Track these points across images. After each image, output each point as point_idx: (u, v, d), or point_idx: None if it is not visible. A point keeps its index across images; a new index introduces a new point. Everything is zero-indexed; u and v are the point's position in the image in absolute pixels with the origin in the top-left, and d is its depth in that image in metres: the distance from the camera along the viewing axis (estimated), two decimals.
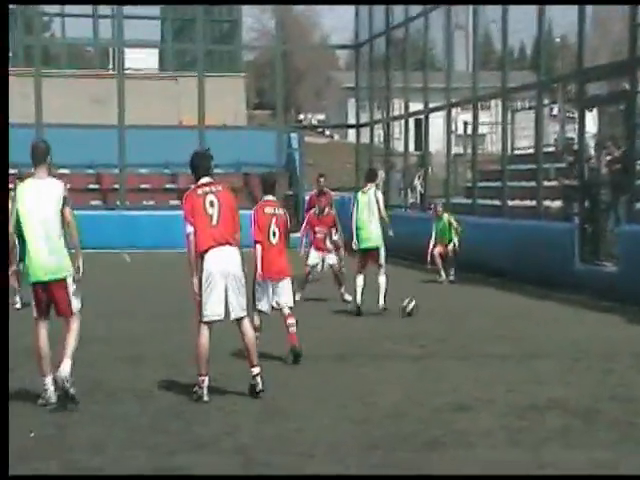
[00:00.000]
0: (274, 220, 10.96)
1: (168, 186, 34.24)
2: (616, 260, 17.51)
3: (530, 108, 25.93)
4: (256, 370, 9.13)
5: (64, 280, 8.76)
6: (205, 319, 8.98)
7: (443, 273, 20.19)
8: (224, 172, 34.25)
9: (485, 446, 7.46)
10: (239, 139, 33.89)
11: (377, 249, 15.15)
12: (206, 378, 8.93)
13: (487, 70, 29.89)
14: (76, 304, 8.86)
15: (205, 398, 8.87)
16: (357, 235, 15.14)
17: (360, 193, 15.46)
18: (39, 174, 8.90)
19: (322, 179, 18.45)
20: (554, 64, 29.37)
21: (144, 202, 32.64)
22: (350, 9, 35.66)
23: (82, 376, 9.94)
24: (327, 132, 69.20)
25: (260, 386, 9.08)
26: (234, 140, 33.56)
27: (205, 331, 8.99)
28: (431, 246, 20.28)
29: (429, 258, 20.26)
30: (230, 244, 9.05)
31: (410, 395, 9.27)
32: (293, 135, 37.03)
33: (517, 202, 22.84)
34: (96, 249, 26.24)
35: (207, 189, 9.21)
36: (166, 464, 6.93)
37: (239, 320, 9.14)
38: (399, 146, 31.64)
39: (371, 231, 15.08)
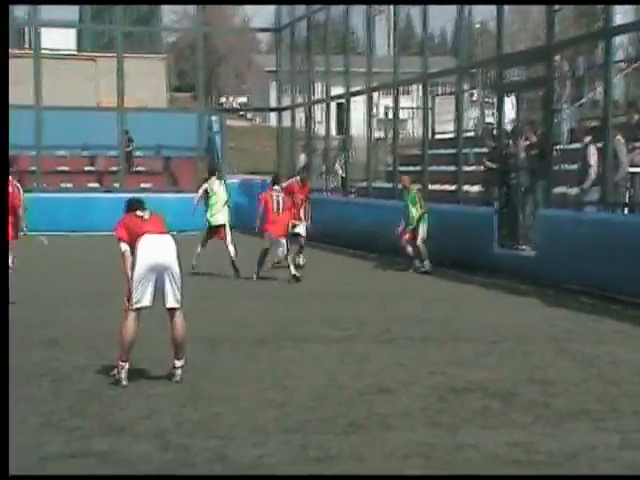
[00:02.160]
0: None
1: (86, 168, 33.83)
2: (533, 244, 17.75)
3: (451, 93, 26.12)
4: (179, 363, 9.06)
5: None
6: (135, 306, 8.88)
7: (416, 262, 19.03)
8: (144, 155, 34.15)
9: (405, 428, 7.49)
10: (159, 122, 33.57)
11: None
12: (126, 364, 8.83)
13: (408, 55, 30.00)
14: None
15: (124, 382, 8.77)
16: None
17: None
18: None
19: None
20: (474, 50, 29.58)
21: (61, 185, 32.16)
22: None
23: None
24: (249, 115, 69.01)
25: (178, 378, 9.02)
26: (154, 123, 33.25)
27: (132, 317, 8.89)
28: (400, 229, 19.23)
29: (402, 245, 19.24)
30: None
31: (332, 378, 9.28)
32: (214, 118, 36.83)
33: (437, 186, 23.00)
34: None
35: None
36: (83, 448, 6.84)
37: (172, 310, 9.08)
38: (321, 130, 31.64)
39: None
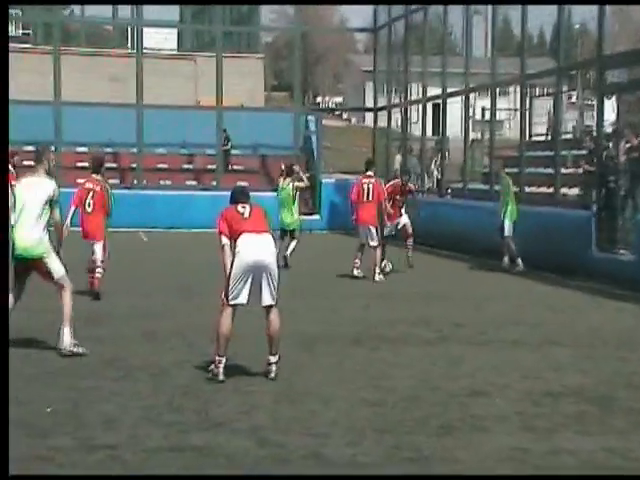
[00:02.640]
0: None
1: (185, 166, 34.25)
2: (633, 249, 17.43)
3: (549, 95, 25.80)
4: (273, 359, 9.16)
5: None
6: (231, 302, 8.99)
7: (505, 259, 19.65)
8: (241, 154, 34.46)
9: (500, 431, 7.45)
10: (256, 121, 33.86)
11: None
12: (223, 359, 8.95)
13: (506, 56, 29.68)
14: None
15: (221, 377, 8.88)
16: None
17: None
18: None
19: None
20: (573, 51, 29.16)
21: (161, 182, 32.63)
22: None
23: (97, 353, 10.02)
24: (345, 115, 69.08)
25: (273, 375, 9.09)
26: (251, 122, 33.54)
27: (228, 312, 9.00)
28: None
29: None
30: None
31: (425, 379, 9.26)
32: (310, 117, 36.92)
33: (534, 189, 22.75)
34: (113, 227, 26.80)
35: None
36: (181, 443, 6.94)
37: (268, 307, 9.16)
38: (416, 130, 31.54)
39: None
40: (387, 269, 18.58)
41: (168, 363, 9.75)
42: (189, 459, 6.57)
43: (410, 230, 19.61)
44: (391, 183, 20.10)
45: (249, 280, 8.94)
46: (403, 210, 19.72)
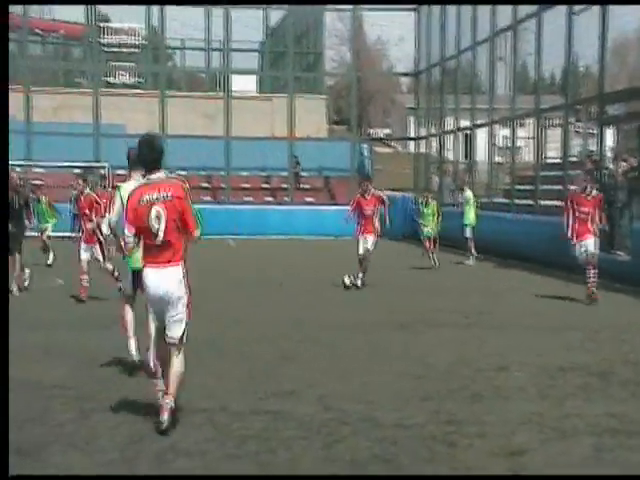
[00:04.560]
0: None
1: (263, 186, 34.45)
2: (629, 251, 17.14)
3: (559, 125, 25.50)
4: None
5: None
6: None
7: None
8: (309, 175, 34.58)
9: (520, 399, 7.37)
10: (321, 149, 34.03)
11: None
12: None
13: (523, 94, 29.40)
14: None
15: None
16: None
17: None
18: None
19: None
20: (579, 89, 28.78)
21: (244, 198, 32.88)
22: (412, 43, 35.45)
23: (195, 336, 10.08)
24: (392, 144, 68.83)
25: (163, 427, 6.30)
26: (317, 149, 33.69)
27: None
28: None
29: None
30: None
31: (459, 357, 9.19)
32: (364, 146, 37.11)
33: (547, 202, 22.51)
34: (207, 235, 26.78)
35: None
36: (260, 407, 6.97)
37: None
38: (450, 155, 31.50)
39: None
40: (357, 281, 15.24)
41: (252, 345, 9.79)
42: (266, 422, 6.57)
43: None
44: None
45: None
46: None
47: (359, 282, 15.20)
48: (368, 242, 15.43)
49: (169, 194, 6.39)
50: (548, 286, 16.51)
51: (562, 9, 21.42)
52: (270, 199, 33.86)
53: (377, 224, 15.58)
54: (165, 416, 6.22)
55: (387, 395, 7.45)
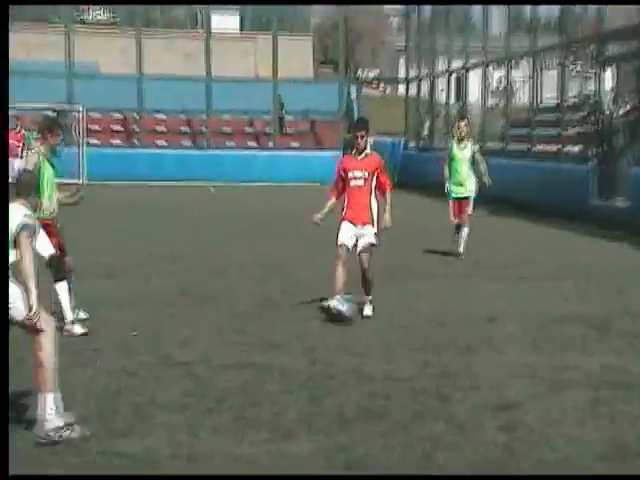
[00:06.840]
0: None
1: (246, 129, 34.15)
2: (628, 196, 17.10)
3: (557, 65, 25.27)
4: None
5: None
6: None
7: None
8: (294, 119, 34.30)
9: (513, 351, 7.35)
10: (306, 90, 33.73)
11: None
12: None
13: (519, 33, 29.10)
14: None
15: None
16: None
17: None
18: None
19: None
20: (577, 28, 28.48)
21: (226, 143, 32.61)
22: None
23: (172, 285, 10.02)
24: (381, 86, 68.34)
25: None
26: (302, 91, 33.37)
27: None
28: None
29: None
30: None
31: (449, 308, 9.16)
32: (352, 87, 36.82)
33: (542, 147, 22.41)
34: (184, 181, 27.21)
35: None
36: (245, 359, 6.92)
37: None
38: (442, 98, 31.31)
39: None
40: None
41: (234, 293, 9.72)
42: (250, 374, 6.52)
43: None
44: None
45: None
46: None
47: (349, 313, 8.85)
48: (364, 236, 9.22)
49: None
50: (541, 233, 16.49)
51: None
52: (253, 144, 33.58)
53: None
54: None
55: (375, 347, 7.41)
